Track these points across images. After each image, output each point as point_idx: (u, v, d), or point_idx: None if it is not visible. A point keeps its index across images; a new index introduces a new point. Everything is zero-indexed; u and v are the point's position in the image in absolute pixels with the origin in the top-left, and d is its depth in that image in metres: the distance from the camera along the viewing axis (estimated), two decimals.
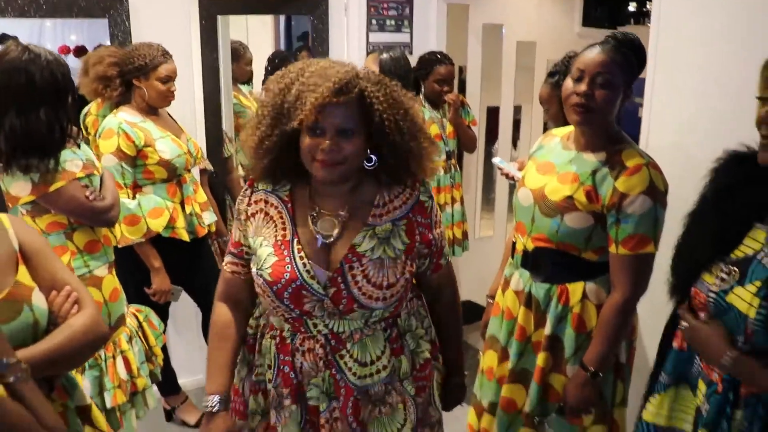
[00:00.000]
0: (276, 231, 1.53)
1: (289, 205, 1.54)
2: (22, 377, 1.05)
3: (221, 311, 1.65)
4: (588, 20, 4.46)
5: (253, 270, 1.53)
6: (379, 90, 1.40)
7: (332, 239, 1.50)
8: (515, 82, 4.08)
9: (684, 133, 2.30)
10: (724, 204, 1.38)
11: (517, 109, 4.78)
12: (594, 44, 1.79)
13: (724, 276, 1.33)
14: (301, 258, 1.48)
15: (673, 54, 2.33)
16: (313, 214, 1.52)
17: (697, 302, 1.41)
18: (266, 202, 1.56)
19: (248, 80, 4.46)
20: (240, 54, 4.20)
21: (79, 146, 2.15)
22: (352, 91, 1.37)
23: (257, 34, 4.27)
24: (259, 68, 4.52)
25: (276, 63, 4.05)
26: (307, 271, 1.47)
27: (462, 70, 4.04)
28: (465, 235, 3.64)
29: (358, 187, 1.53)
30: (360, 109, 1.40)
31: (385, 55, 3.05)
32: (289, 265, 1.47)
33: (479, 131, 3.87)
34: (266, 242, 1.52)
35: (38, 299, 1.38)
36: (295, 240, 1.50)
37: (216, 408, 1.54)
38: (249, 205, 1.57)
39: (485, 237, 4.32)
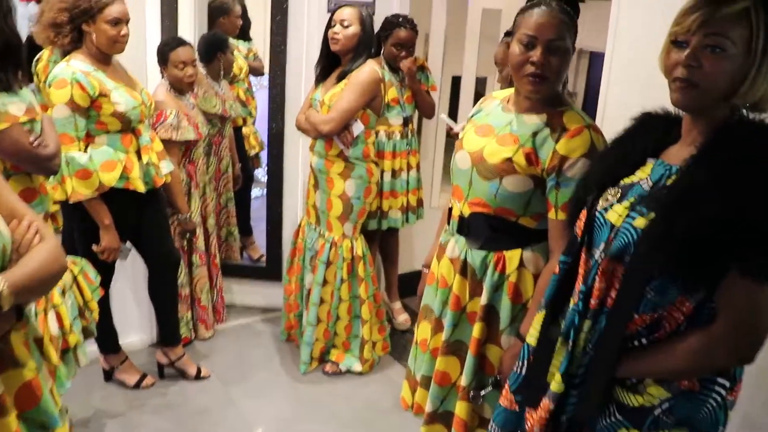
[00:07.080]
0: None
1: None
2: None
3: None
4: None
5: None
6: None
7: None
8: (479, 52, 3.98)
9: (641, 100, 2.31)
10: (625, 143, 1.44)
11: (482, 81, 4.68)
12: (534, 3, 1.69)
13: (609, 197, 1.37)
14: None
15: (633, 25, 2.30)
16: None
17: (580, 224, 1.43)
18: None
19: (242, 36, 4.35)
20: (228, 8, 4.08)
21: (21, 88, 2.06)
22: None
23: None
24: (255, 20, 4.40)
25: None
26: None
27: (427, 36, 3.95)
28: (420, 202, 3.58)
29: None
30: None
31: (365, 13, 2.97)
32: None
33: (439, 100, 3.79)
34: None
35: (1, 226, 1.33)
36: None
37: None
38: None
39: (442, 207, 4.25)
